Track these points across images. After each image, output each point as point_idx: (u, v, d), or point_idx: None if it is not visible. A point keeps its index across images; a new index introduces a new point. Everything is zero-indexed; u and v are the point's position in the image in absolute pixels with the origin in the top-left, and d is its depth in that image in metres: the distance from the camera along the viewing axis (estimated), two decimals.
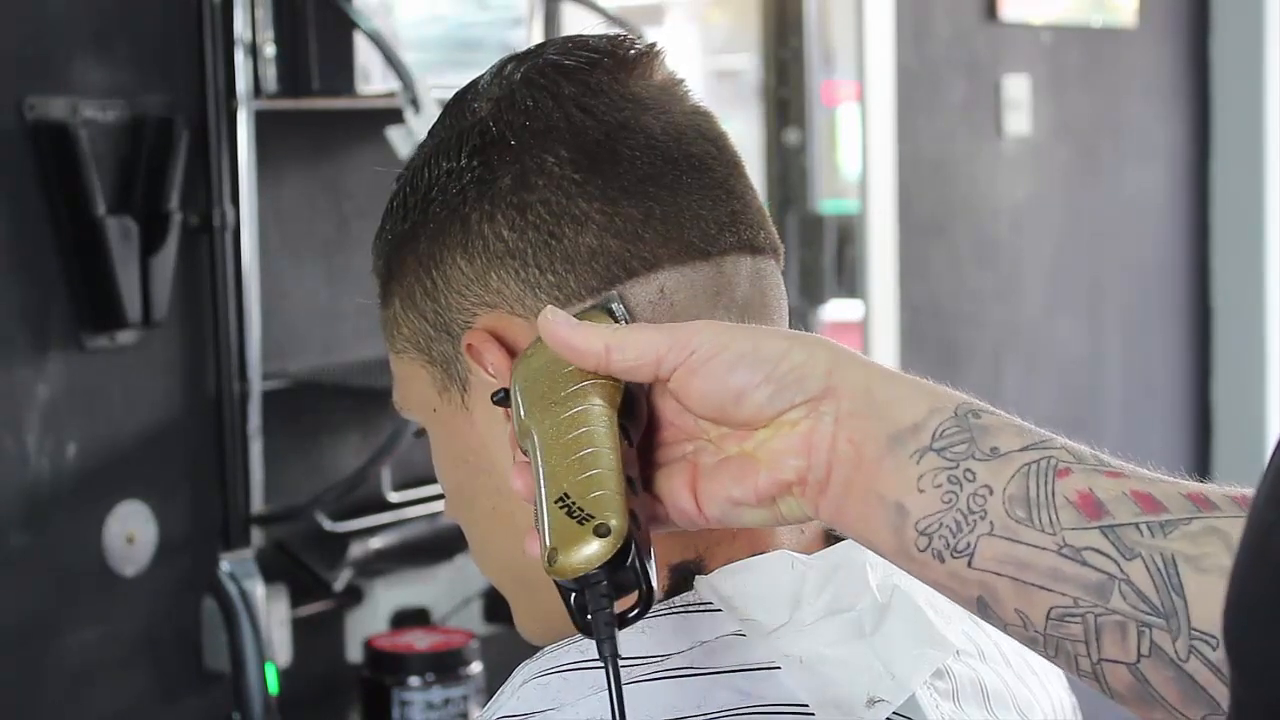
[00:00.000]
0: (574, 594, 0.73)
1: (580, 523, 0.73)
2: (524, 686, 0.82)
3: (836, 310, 2.92)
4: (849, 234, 2.87)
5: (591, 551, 0.72)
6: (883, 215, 2.89)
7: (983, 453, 0.71)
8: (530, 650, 0.87)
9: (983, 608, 0.71)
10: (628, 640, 0.82)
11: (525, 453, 0.78)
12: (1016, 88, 3.18)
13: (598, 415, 0.76)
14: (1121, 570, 0.68)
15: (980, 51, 3.12)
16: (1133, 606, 0.68)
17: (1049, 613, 0.69)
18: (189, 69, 1.92)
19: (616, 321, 0.81)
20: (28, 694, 1.84)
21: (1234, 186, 3.67)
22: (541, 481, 0.75)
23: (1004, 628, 0.72)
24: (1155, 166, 3.60)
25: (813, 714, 0.79)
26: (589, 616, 0.73)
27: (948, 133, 3.06)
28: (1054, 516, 0.69)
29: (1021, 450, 0.71)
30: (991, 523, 0.70)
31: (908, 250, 2.95)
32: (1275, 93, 3.63)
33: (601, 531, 0.72)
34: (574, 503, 0.73)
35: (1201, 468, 3.72)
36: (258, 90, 1.95)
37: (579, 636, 0.83)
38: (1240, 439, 3.70)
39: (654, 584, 0.74)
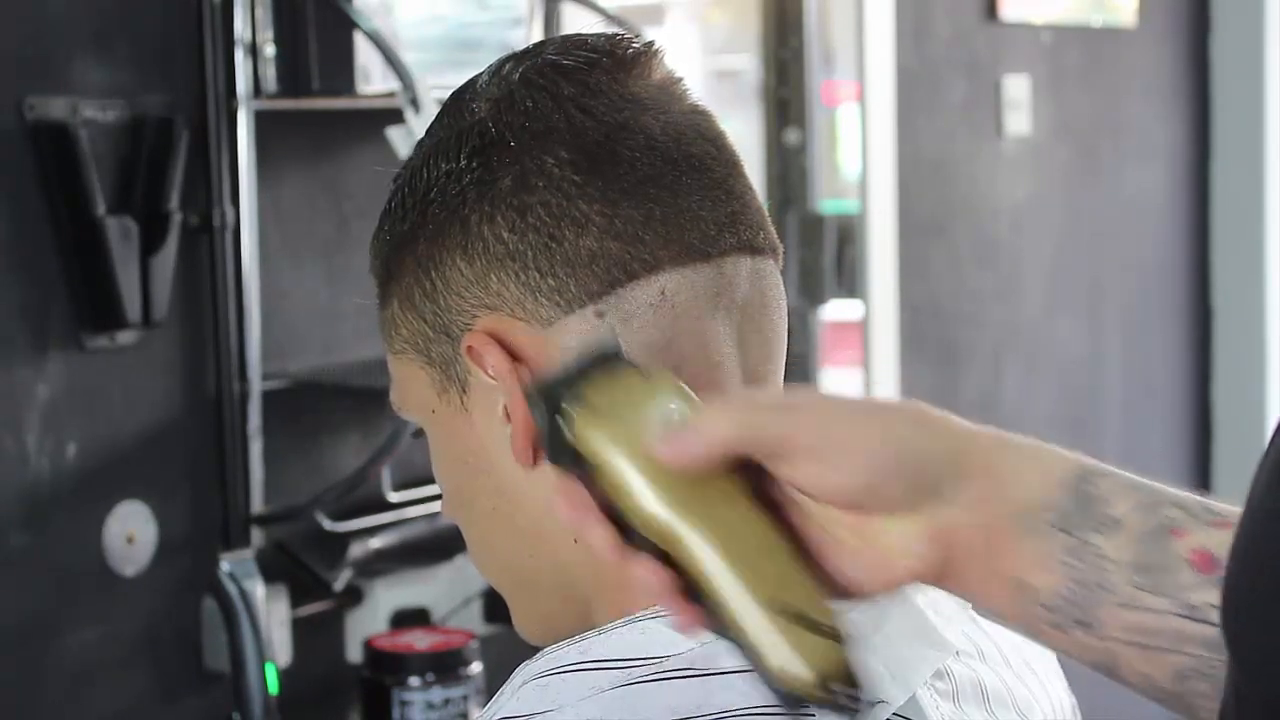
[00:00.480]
0: (792, 699, 0.71)
1: (812, 630, 0.71)
2: (524, 687, 0.82)
3: (836, 310, 2.92)
4: (849, 234, 2.87)
5: (838, 665, 0.71)
6: (883, 215, 2.89)
7: (1101, 523, 0.72)
8: (530, 650, 0.87)
9: (1108, 671, 0.72)
10: (629, 643, 0.82)
11: (658, 546, 0.73)
12: (1016, 88, 3.18)
13: (745, 499, 0.74)
14: None
15: (980, 51, 3.12)
16: None
17: (1175, 673, 0.71)
18: (189, 69, 1.92)
19: (619, 356, 0.77)
20: (28, 694, 1.84)
21: (1234, 186, 3.67)
22: (728, 586, 0.72)
23: (1129, 686, 0.73)
24: (1155, 166, 3.60)
25: (813, 714, 0.79)
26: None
27: (948, 133, 3.06)
28: (1174, 579, 0.70)
29: (1137, 514, 0.72)
30: (1114, 593, 0.71)
31: (908, 250, 2.95)
32: (1275, 93, 3.63)
33: (836, 638, 0.71)
34: (798, 611, 0.71)
35: (1201, 468, 3.72)
36: (258, 90, 1.95)
37: (579, 637, 0.83)
38: (1240, 439, 3.70)
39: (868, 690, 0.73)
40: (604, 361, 0.77)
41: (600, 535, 0.74)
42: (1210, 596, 0.69)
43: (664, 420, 0.74)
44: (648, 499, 0.73)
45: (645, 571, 0.73)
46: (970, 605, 0.77)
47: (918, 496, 0.73)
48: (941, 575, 0.74)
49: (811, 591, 0.73)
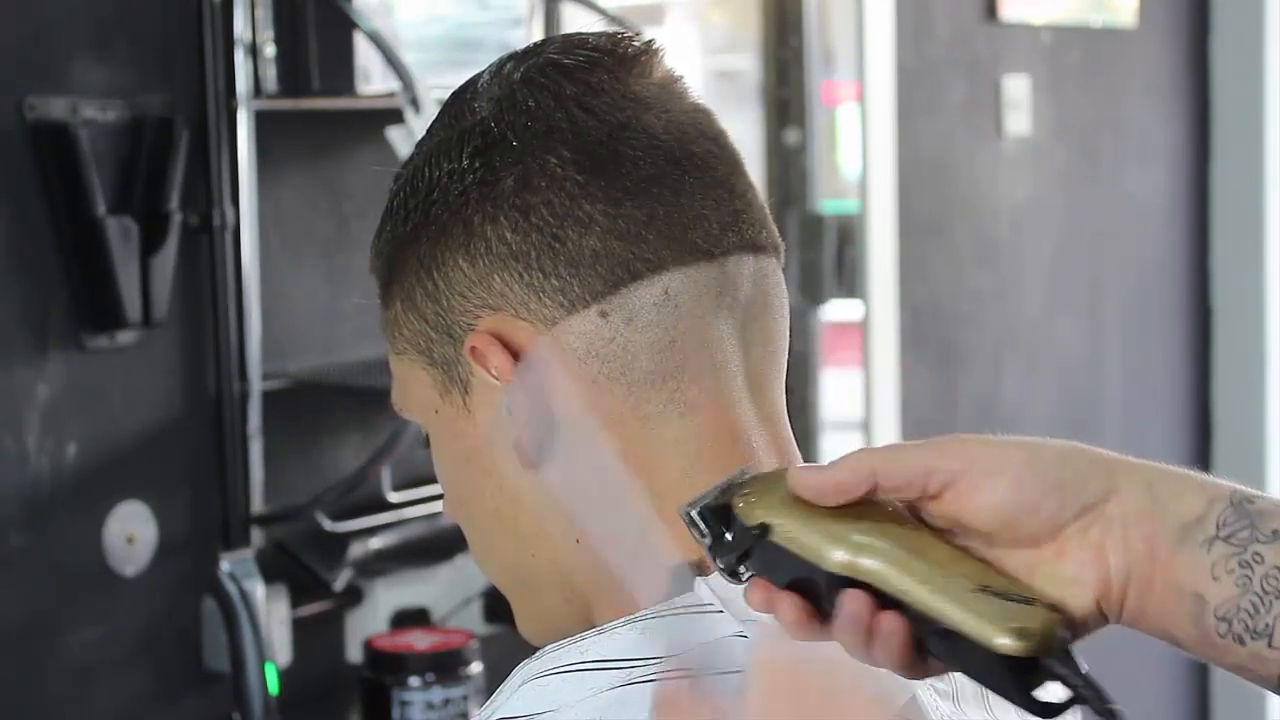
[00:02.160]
0: (1011, 676, 0.71)
1: (1025, 604, 0.71)
2: (523, 687, 0.82)
3: (836, 310, 2.92)
4: (849, 234, 2.87)
5: (1059, 626, 0.71)
6: (883, 215, 2.89)
7: (1265, 535, 0.72)
8: (529, 650, 0.87)
9: None
10: (628, 643, 0.82)
11: (845, 581, 0.73)
12: (1016, 88, 3.18)
13: (917, 527, 0.74)
14: None
15: (980, 51, 3.12)
16: None
17: None
18: (189, 69, 1.92)
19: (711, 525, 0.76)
20: (28, 694, 1.84)
21: (1234, 186, 3.67)
22: (934, 586, 0.72)
23: None
24: (1155, 166, 3.60)
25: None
26: (1052, 690, 0.70)
27: (948, 133, 3.06)
28: None
29: None
30: None
31: (908, 250, 2.95)
32: (1275, 93, 3.63)
33: (1053, 609, 0.72)
34: (1002, 591, 0.72)
35: (1202, 468, 3.71)
36: (258, 90, 1.95)
37: (579, 637, 0.83)
38: (1240, 439, 3.70)
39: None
40: (739, 479, 0.77)
41: (788, 609, 0.74)
42: None
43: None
44: (826, 547, 0.73)
45: (850, 601, 0.72)
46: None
47: (1073, 511, 0.73)
48: (1123, 597, 0.73)
49: (1009, 577, 0.73)
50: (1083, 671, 0.70)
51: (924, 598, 0.72)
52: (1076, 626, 0.73)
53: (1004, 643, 0.70)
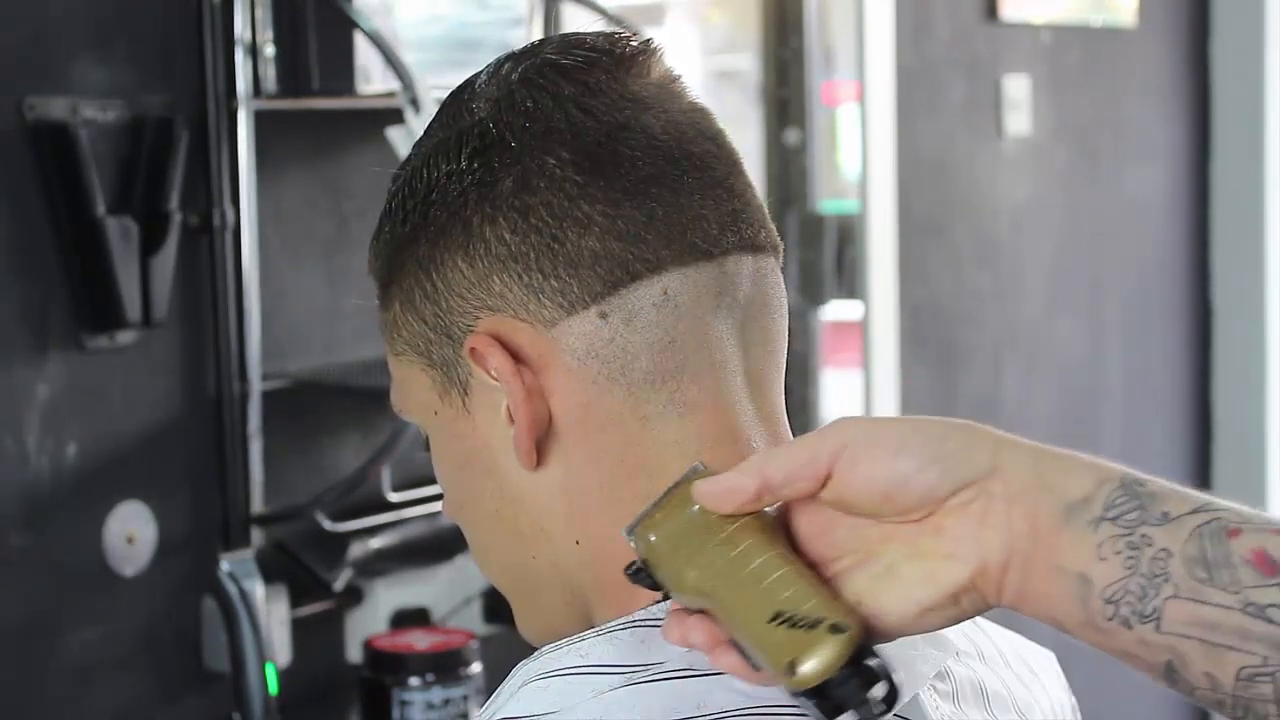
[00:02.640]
0: (817, 702, 0.72)
1: (809, 629, 0.72)
2: (523, 689, 0.82)
3: (836, 310, 2.92)
4: (849, 234, 2.87)
5: (835, 650, 0.71)
6: (883, 215, 2.89)
7: (1154, 517, 0.71)
8: (529, 650, 0.87)
9: (1170, 673, 0.71)
10: (628, 645, 0.82)
11: (698, 606, 0.76)
12: (1016, 88, 3.18)
13: (767, 543, 0.75)
14: None
15: (980, 51, 3.12)
16: None
17: (1238, 673, 0.70)
18: (189, 69, 1.92)
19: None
20: (28, 694, 1.84)
21: (1234, 186, 3.67)
22: (741, 614, 0.74)
23: (1191, 692, 0.71)
24: (1155, 166, 3.60)
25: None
26: (849, 717, 0.72)
27: (948, 133, 3.06)
28: (1234, 575, 0.70)
29: (1191, 513, 0.71)
30: (1176, 585, 0.70)
31: (908, 250, 2.95)
32: (1275, 93, 3.63)
33: (838, 629, 0.72)
34: (792, 616, 0.72)
35: (1202, 468, 3.72)
36: (258, 90, 1.95)
37: (578, 638, 0.83)
38: (1240, 439, 3.70)
39: (897, 675, 0.73)
40: (690, 477, 0.78)
41: (679, 634, 0.76)
42: (1273, 597, 0.69)
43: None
44: (677, 574, 0.76)
45: (695, 627, 0.75)
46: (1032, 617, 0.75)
47: (952, 485, 0.72)
48: (1003, 576, 0.73)
49: (829, 601, 0.73)
50: (863, 699, 0.71)
51: (735, 635, 0.74)
52: (878, 633, 0.74)
53: (783, 679, 0.72)
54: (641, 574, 0.77)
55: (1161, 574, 0.70)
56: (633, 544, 0.77)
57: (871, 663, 0.72)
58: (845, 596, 0.75)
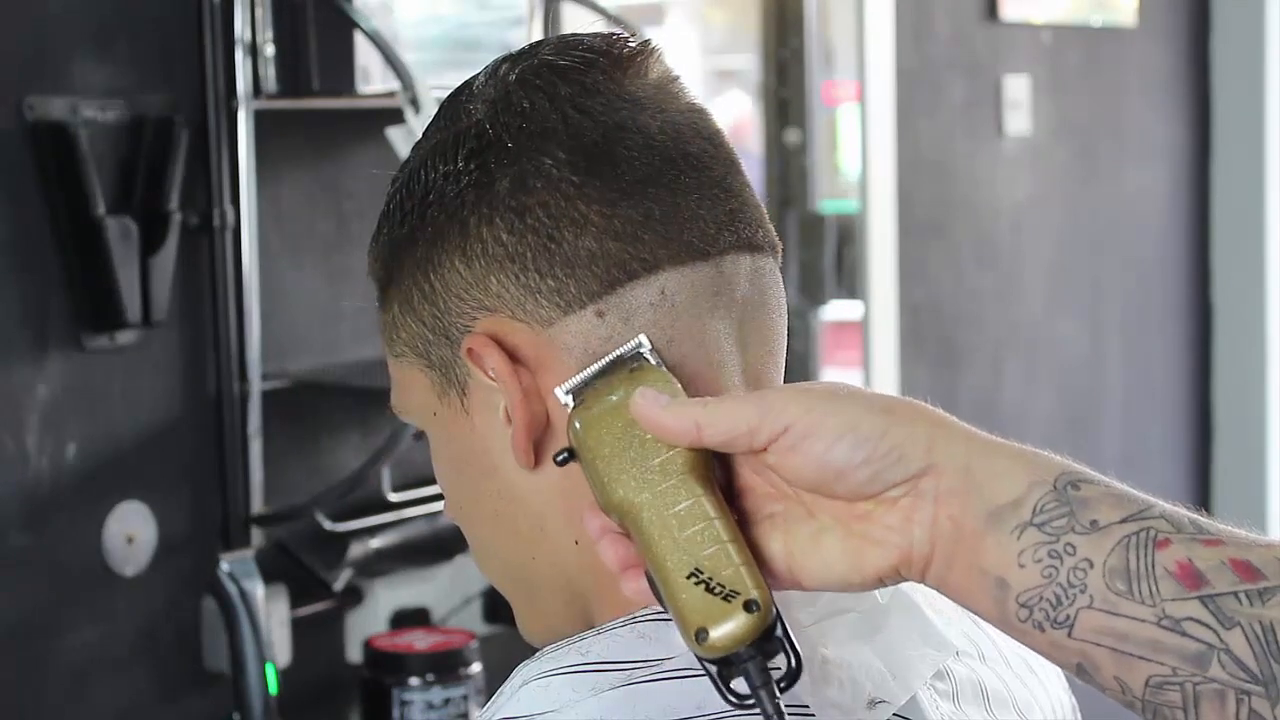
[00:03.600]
0: (717, 666, 0.74)
1: (725, 599, 0.73)
2: (524, 688, 0.82)
3: (836, 310, 2.92)
4: (849, 234, 2.88)
5: (745, 628, 0.73)
6: (883, 215, 2.89)
7: (1082, 526, 0.72)
8: (530, 650, 0.87)
9: (1081, 673, 0.73)
10: (628, 644, 0.82)
11: (618, 523, 0.78)
12: (1016, 88, 3.18)
13: (699, 484, 0.76)
14: (1221, 640, 0.69)
15: (980, 51, 3.12)
16: (1231, 675, 0.69)
17: (1148, 681, 0.71)
18: (189, 69, 1.92)
19: (648, 360, 0.81)
20: (28, 694, 1.84)
21: (1234, 186, 3.67)
22: (661, 556, 0.75)
23: (1103, 691, 0.73)
24: (1155, 166, 3.60)
25: (813, 715, 0.79)
26: (743, 685, 0.73)
27: (948, 133, 3.06)
28: (1154, 588, 0.71)
29: (1121, 522, 0.72)
30: (1091, 596, 0.71)
31: (908, 250, 2.95)
32: (1275, 93, 3.63)
33: (751, 607, 0.73)
34: (710, 579, 0.74)
35: (1202, 468, 3.72)
36: (258, 90, 1.95)
37: (578, 638, 0.83)
38: (1240, 439, 3.70)
39: (800, 653, 0.74)
40: (620, 363, 0.81)
41: (595, 526, 0.79)
42: (1190, 610, 0.70)
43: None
44: (603, 479, 0.78)
45: (610, 545, 0.78)
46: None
47: (882, 486, 0.74)
48: (925, 568, 0.74)
49: (748, 571, 0.74)
50: (764, 670, 0.73)
51: (650, 570, 0.75)
52: (797, 588, 0.76)
53: (690, 641, 0.73)
54: (570, 462, 0.79)
55: (1079, 584, 0.71)
56: (566, 406, 0.79)
57: (779, 636, 0.74)
58: (771, 549, 0.76)
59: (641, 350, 0.81)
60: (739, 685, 0.74)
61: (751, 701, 0.73)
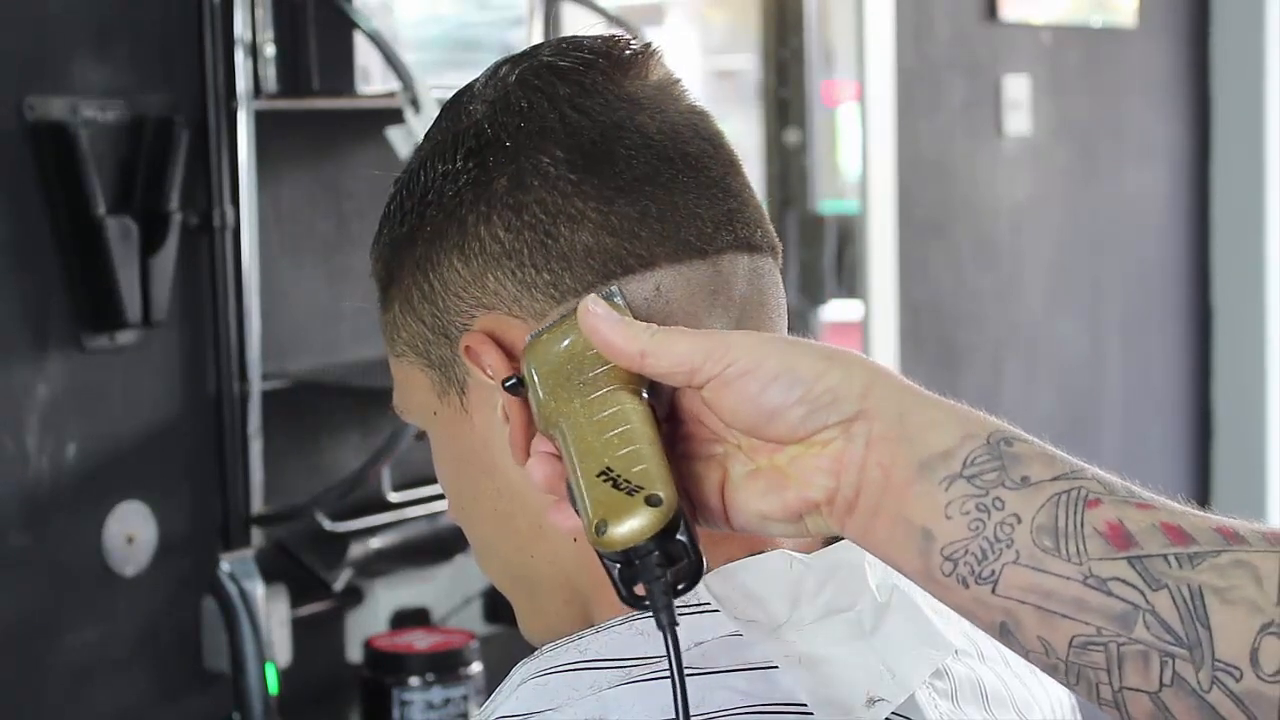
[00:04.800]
0: (619, 566, 0.74)
1: (629, 494, 0.73)
2: (522, 686, 0.83)
3: (836, 310, 2.92)
4: (849, 234, 2.88)
5: (645, 521, 0.72)
6: (883, 215, 2.89)
7: (1013, 481, 0.72)
8: (529, 650, 0.87)
9: (1005, 633, 0.72)
10: (626, 642, 0.82)
11: (550, 438, 0.78)
12: (1016, 88, 3.18)
13: (629, 395, 0.77)
14: (1147, 600, 0.69)
15: (980, 51, 3.12)
16: (1156, 636, 0.69)
17: (1071, 641, 0.70)
18: (189, 69, 1.92)
19: (616, 302, 0.81)
20: (28, 694, 1.84)
21: (1234, 186, 3.67)
22: (576, 459, 0.75)
23: (1025, 654, 0.72)
24: (1155, 166, 3.60)
25: (811, 714, 0.79)
26: (639, 587, 0.73)
27: (948, 133, 3.06)
28: (1081, 547, 0.70)
29: (1052, 480, 0.72)
30: (1018, 551, 0.71)
31: (908, 250, 2.95)
32: (1275, 93, 3.63)
33: (653, 501, 0.73)
34: (618, 475, 0.74)
35: (1202, 468, 3.72)
36: (258, 90, 1.95)
37: (577, 636, 0.83)
38: (1240, 439, 3.70)
39: (703, 554, 0.74)
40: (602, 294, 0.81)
41: (535, 447, 0.79)
42: (1117, 570, 0.69)
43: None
44: (539, 393, 0.79)
45: (539, 463, 0.78)
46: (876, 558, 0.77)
47: (814, 427, 0.74)
48: (848, 514, 0.74)
49: (658, 470, 0.74)
50: (661, 567, 0.73)
51: (570, 479, 0.76)
52: (725, 525, 0.77)
53: (590, 536, 0.73)
54: (517, 389, 0.81)
55: (1005, 539, 0.71)
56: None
57: (681, 539, 0.74)
58: (707, 484, 0.77)
59: (613, 297, 0.81)
60: (640, 589, 0.73)
61: (649, 604, 0.73)
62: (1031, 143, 3.23)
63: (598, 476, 0.74)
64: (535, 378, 0.79)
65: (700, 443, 0.78)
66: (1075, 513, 0.71)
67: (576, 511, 0.76)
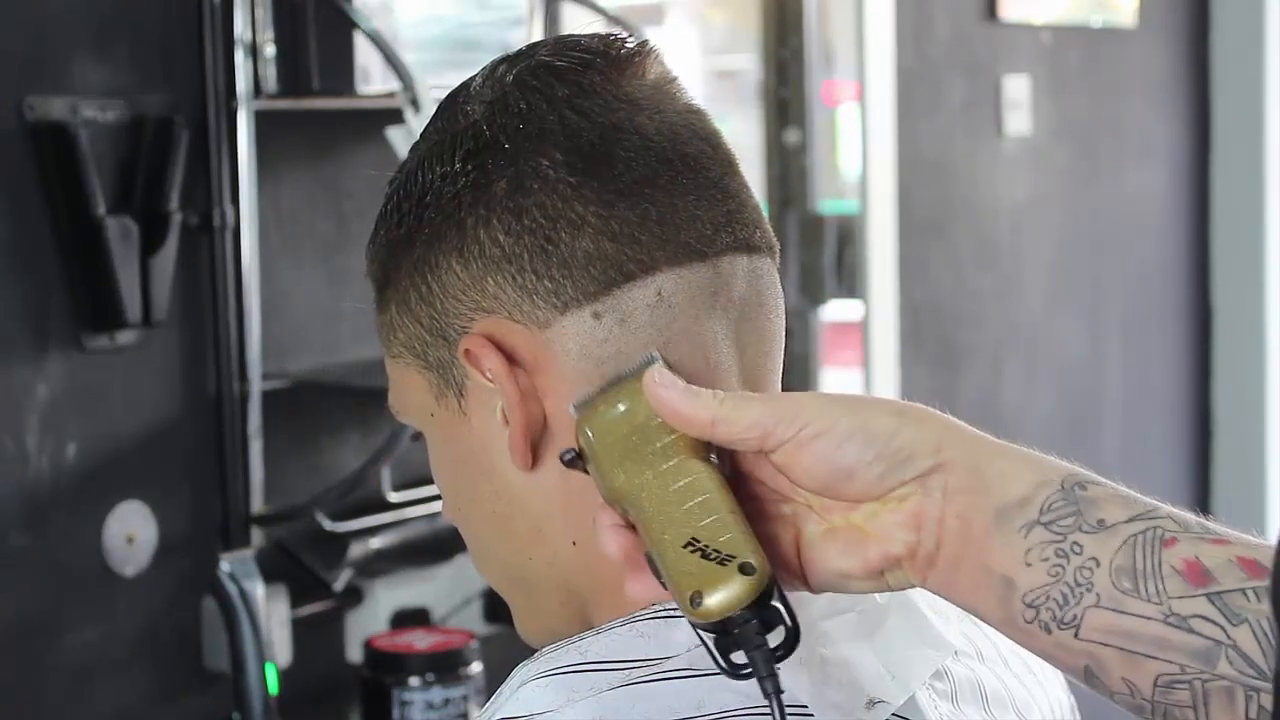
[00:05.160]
0: (715, 636, 0.73)
1: (720, 564, 0.73)
2: (522, 688, 0.82)
3: (836, 310, 2.92)
4: (849, 234, 2.88)
5: (740, 590, 0.72)
6: (883, 215, 2.89)
7: (1090, 525, 0.72)
8: (529, 650, 0.87)
9: (1089, 676, 0.72)
10: (627, 644, 0.82)
11: (617, 510, 0.78)
12: (1016, 88, 3.18)
13: (700, 464, 0.77)
14: (1228, 636, 0.69)
15: (980, 51, 3.12)
16: (1240, 671, 0.69)
17: (1156, 680, 0.71)
18: (189, 69, 1.92)
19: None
20: (28, 694, 1.84)
21: (1234, 186, 3.67)
22: (658, 532, 0.75)
23: (1111, 696, 0.73)
24: (1155, 166, 3.60)
25: (813, 715, 0.79)
26: (740, 655, 0.73)
27: (948, 133, 3.06)
28: (1160, 586, 0.70)
29: (1128, 521, 0.72)
30: (1098, 595, 0.71)
31: (908, 250, 2.95)
32: (1275, 93, 3.63)
33: (746, 570, 0.73)
34: (706, 546, 0.73)
35: (1202, 468, 3.72)
36: (258, 90, 1.95)
37: (577, 638, 0.83)
38: (1240, 439, 3.70)
39: (798, 620, 0.74)
40: (632, 375, 0.80)
41: (603, 523, 0.79)
42: (1197, 608, 0.70)
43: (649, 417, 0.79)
44: (604, 468, 0.78)
45: (612, 535, 0.77)
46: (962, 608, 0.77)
47: (893, 483, 0.74)
48: (929, 567, 0.75)
49: (745, 538, 0.74)
50: (761, 635, 0.72)
51: (651, 550, 0.75)
52: (804, 587, 0.77)
53: (685, 608, 0.73)
54: (576, 463, 0.79)
55: (1085, 583, 0.71)
56: (575, 422, 0.79)
57: (776, 605, 0.73)
58: (781, 543, 0.77)
59: (654, 362, 0.81)
60: (738, 657, 0.73)
61: (749, 671, 0.73)
62: (1031, 143, 3.23)
63: (684, 548, 0.74)
64: (597, 450, 0.78)
65: (767, 504, 0.78)
66: (1152, 553, 0.71)
67: (661, 584, 0.75)
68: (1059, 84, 3.29)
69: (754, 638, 0.72)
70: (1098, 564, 0.71)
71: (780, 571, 0.77)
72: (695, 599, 0.72)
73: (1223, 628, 0.69)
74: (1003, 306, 3.19)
